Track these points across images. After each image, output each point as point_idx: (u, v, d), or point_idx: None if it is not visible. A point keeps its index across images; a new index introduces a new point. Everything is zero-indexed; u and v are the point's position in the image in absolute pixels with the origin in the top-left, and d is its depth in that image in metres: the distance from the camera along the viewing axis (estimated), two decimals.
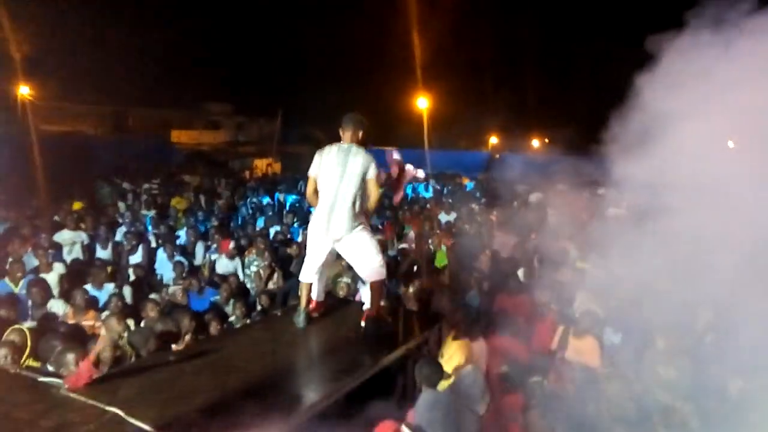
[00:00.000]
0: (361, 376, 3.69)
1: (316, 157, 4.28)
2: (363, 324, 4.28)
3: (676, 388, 4.65)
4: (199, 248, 8.49)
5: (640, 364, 5.12)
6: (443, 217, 11.22)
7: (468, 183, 20.29)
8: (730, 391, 4.48)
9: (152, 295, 6.24)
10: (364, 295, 5.48)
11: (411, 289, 5.96)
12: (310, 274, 4.43)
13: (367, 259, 4.25)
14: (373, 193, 4.19)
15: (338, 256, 4.49)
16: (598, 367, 5.02)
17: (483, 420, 3.44)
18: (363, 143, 4.27)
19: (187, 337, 4.77)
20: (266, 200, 13.34)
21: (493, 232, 9.67)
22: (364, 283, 5.41)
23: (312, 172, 4.27)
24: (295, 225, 10.30)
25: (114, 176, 15.64)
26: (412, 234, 9.75)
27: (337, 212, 4.13)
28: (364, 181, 4.14)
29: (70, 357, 3.63)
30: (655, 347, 5.15)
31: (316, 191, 4.27)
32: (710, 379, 4.79)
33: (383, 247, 6.40)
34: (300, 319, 4.40)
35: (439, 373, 3.83)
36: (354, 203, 4.12)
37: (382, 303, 4.52)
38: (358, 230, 4.18)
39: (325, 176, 4.18)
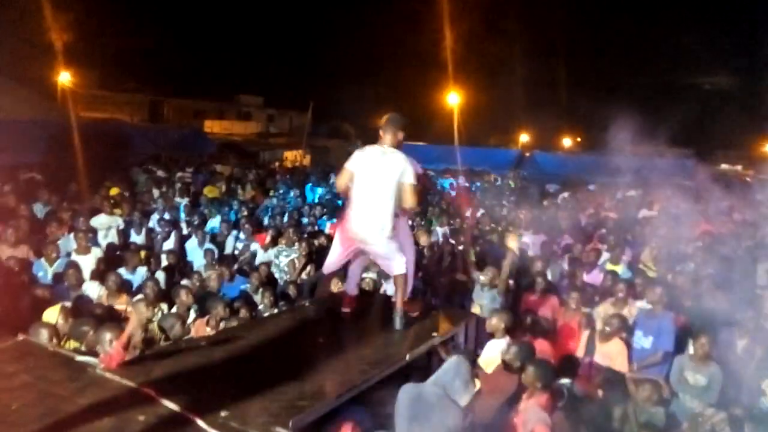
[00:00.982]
0: (386, 369, 3.71)
1: (357, 153, 4.25)
2: (395, 317, 4.28)
3: (706, 395, 4.56)
4: (230, 237, 8.64)
5: (669, 369, 5.04)
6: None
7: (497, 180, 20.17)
8: (766, 401, 4.39)
9: (184, 281, 6.37)
10: (390, 289, 5.51)
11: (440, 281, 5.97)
12: (333, 266, 4.49)
13: (391, 258, 4.25)
14: (410, 196, 4.11)
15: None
16: (626, 371, 4.95)
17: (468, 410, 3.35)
18: (400, 145, 4.23)
19: (220, 324, 4.87)
20: (295, 192, 13.47)
21: (521, 230, 9.57)
22: (388, 278, 5.45)
23: (350, 165, 4.21)
24: (324, 218, 10.39)
25: (149, 164, 15.98)
26: (439, 229, 9.74)
27: (368, 216, 4.09)
28: (399, 185, 4.08)
29: (106, 337, 3.74)
30: (686, 353, 5.06)
31: (349, 183, 4.22)
32: (743, 387, 4.69)
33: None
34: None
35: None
36: (386, 208, 4.07)
37: (408, 297, 4.52)
38: (386, 236, 4.14)
39: (361, 177, 4.13)
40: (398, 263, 4.25)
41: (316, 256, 7.63)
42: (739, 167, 27.54)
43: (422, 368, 4.24)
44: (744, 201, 14.23)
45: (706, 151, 25.59)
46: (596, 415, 3.89)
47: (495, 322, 4.48)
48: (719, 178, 22.96)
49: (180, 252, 8.02)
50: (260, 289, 6.25)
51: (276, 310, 5.78)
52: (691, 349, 4.91)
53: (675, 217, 10.38)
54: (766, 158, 24.47)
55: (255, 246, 8.13)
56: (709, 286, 6.22)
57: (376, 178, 4.08)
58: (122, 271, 6.46)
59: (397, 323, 4.23)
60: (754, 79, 25.55)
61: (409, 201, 4.12)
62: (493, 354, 4.28)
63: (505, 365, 4.00)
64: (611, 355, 5.04)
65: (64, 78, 21.53)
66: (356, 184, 4.15)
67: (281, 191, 13.19)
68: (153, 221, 9.12)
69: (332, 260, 4.49)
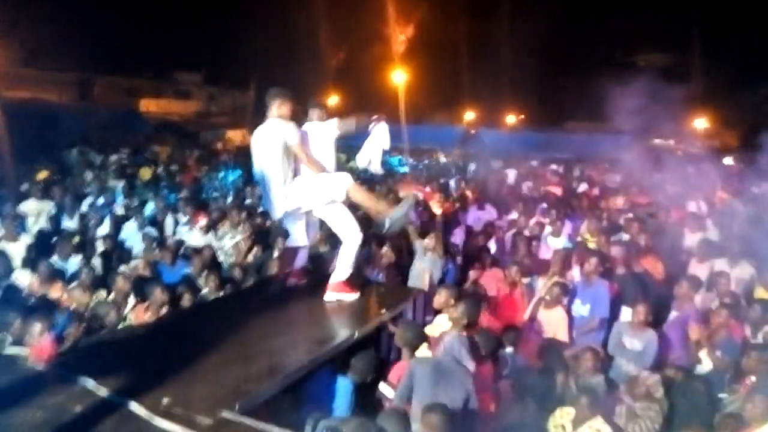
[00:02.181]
0: (334, 347, 3.70)
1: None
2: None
3: (641, 359, 4.79)
4: (169, 220, 8.33)
5: (605, 335, 5.26)
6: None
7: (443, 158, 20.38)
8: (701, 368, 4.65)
9: (122, 267, 6.12)
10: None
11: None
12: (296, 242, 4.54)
13: (336, 229, 4.31)
14: (302, 157, 4.14)
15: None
16: (566, 338, 5.14)
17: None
18: (292, 117, 4.25)
19: (161, 309, 4.71)
20: (239, 173, 13.14)
21: (467, 207, 9.72)
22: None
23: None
24: None
25: (80, 145, 15.17)
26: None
27: (268, 190, 4.17)
28: (287, 150, 4.10)
29: (35, 328, 3.53)
30: (624, 319, 5.29)
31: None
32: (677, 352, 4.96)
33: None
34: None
35: (421, 338, 3.96)
36: (278, 177, 4.10)
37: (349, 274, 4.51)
38: (296, 204, 4.19)
39: (255, 154, 4.23)
40: (343, 235, 4.28)
41: (261, 237, 7.49)
42: (671, 142, 28.87)
43: (372, 343, 4.25)
44: (675, 174, 14.97)
45: (639, 126, 26.60)
46: (538, 384, 4.02)
47: (443, 298, 4.52)
48: (652, 153, 24.06)
49: (116, 237, 7.68)
50: (204, 273, 6.08)
51: (221, 294, 5.64)
52: (629, 316, 5.13)
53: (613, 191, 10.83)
54: (696, 132, 25.74)
55: (188, 229, 7.81)
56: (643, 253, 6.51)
57: (262, 150, 4.14)
58: (55, 258, 6.14)
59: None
60: (686, 55, 26.68)
61: (305, 163, 4.14)
62: (441, 325, 4.35)
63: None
64: (553, 323, 5.22)
65: None
66: (254, 163, 4.24)
67: (221, 172, 12.84)
68: (86, 205, 8.69)
69: (294, 236, 4.52)
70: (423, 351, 3.92)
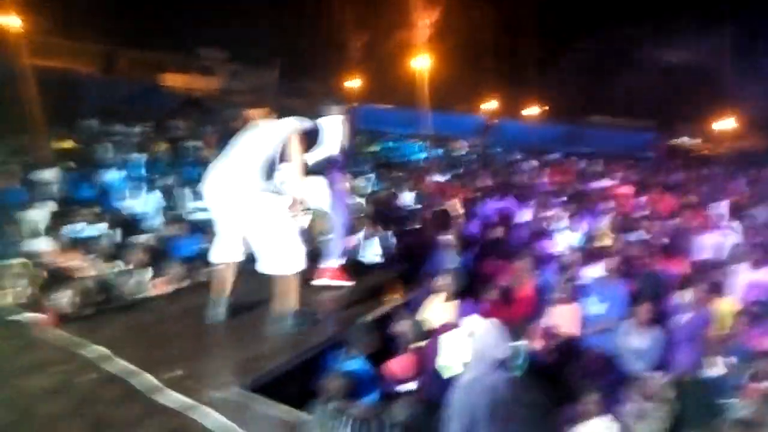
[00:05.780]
0: (344, 329, 3.71)
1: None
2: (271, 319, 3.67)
3: (647, 357, 4.75)
4: (187, 194, 8.38)
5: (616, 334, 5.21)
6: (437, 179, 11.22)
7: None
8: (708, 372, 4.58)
9: (141, 238, 6.19)
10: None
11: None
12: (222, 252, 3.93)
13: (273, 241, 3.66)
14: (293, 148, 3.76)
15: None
16: (578, 334, 5.10)
17: None
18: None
19: (180, 283, 4.76)
20: None
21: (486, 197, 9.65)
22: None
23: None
24: None
25: (103, 117, 15.32)
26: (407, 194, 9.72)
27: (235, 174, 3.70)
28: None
29: (53, 294, 3.60)
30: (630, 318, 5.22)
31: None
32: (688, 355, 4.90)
33: None
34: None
35: (425, 330, 3.86)
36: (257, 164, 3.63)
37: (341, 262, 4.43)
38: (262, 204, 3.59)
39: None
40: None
41: None
42: (698, 141, 28.36)
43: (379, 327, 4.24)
44: (699, 175, 14.73)
45: (664, 124, 26.17)
46: (551, 379, 4.00)
47: (446, 282, 4.42)
48: (678, 152, 23.69)
49: (137, 208, 7.77)
50: None
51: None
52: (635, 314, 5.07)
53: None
54: (723, 134, 25.23)
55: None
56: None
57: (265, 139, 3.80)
58: (74, 226, 6.22)
59: (272, 324, 3.60)
60: (715, 54, 26.05)
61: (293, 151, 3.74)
62: (435, 309, 4.32)
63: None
64: (566, 318, 5.18)
65: (14, 22, 20.17)
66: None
67: None
68: (107, 176, 8.79)
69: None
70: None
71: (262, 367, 3.06)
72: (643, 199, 10.06)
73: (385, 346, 3.94)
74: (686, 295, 5.41)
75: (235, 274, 3.73)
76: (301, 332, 3.51)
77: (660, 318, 5.39)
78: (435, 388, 3.68)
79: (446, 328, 4.00)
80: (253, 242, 3.59)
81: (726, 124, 24.87)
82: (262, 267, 3.55)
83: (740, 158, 20.37)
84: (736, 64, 25.03)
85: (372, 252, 5.87)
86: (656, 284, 5.76)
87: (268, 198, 3.49)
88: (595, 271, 5.90)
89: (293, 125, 3.79)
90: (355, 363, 3.45)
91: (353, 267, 4.73)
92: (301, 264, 3.59)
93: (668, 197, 10.04)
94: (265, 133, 3.73)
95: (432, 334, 3.94)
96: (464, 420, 3.01)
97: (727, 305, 5.34)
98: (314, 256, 5.30)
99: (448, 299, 4.37)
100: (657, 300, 5.56)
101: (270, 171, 3.60)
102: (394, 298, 4.28)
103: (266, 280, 4.01)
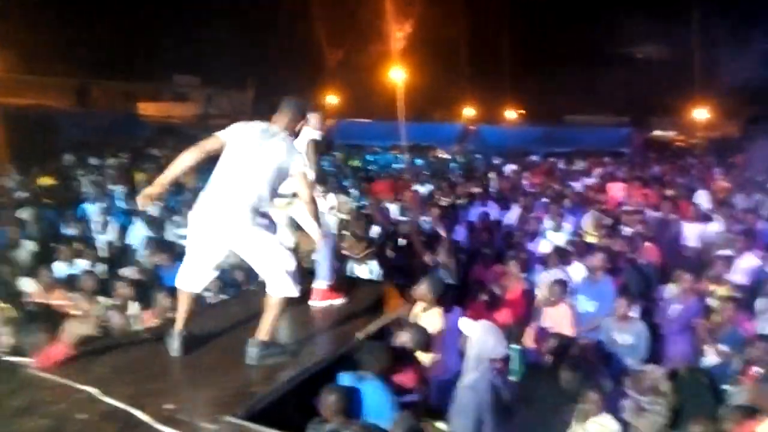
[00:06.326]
0: (336, 350, 3.69)
1: (239, 126, 3.51)
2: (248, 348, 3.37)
3: (635, 352, 4.78)
4: (169, 223, 8.30)
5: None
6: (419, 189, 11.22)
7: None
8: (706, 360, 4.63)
9: (126, 271, 6.10)
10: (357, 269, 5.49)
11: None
12: (188, 279, 3.58)
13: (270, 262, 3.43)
14: (302, 188, 3.50)
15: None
16: (572, 334, 5.11)
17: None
18: (294, 134, 3.68)
19: (166, 314, 4.69)
20: None
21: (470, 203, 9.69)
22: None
23: (223, 135, 3.47)
24: None
25: (79, 151, 15.17)
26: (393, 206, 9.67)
27: (231, 203, 3.31)
28: (279, 173, 3.41)
29: (41, 336, 3.52)
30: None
31: (205, 155, 3.50)
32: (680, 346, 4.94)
33: None
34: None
35: (429, 338, 3.79)
36: (255, 195, 3.33)
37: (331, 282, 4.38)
38: (255, 228, 3.33)
39: (234, 153, 3.41)
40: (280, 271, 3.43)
41: None
42: (672, 133, 28.83)
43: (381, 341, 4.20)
44: (677, 166, 14.96)
45: (640, 119, 26.59)
46: (548, 379, 4.00)
47: (424, 290, 4.29)
48: (654, 144, 24.04)
49: (118, 241, 7.67)
50: None
51: (223, 297, 5.62)
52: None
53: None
54: (696, 124, 25.67)
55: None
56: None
57: (253, 159, 3.37)
58: (57, 264, 6.13)
59: (250, 355, 3.33)
60: (685, 47, 26.58)
61: (303, 194, 3.52)
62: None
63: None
64: (557, 319, 5.20)
65: None
66: (225, 164, 3.44)
67: None
68: (84, 210, 8.67)
69: (189, 270, 3.60)
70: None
71: (255, 394, 3.02)
72: (624, 193, 10.18)
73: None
74: (674, 287, 5.47)
75: (193, 305, 3.56)
76: (294, 354, 3.48)
77: (649, 311, 5.45)
78: (438, 398, 3.68)
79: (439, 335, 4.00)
80: (255, 266, 3.51)
81: (699, 114, 25.34)
82: (269, 288, 3.45)
83: (715, 147, 20.75)
84: (704, 54, 25.58)
85: (362, 269, 5.84)
86: (643, 278, 5.82)
87: (263, 223, 3.40)
88: (581, 270, 5.95)
89: (300, 163, 3.50)
90: (369, 385, 3.22)
91: (345, 283, 4.70)
92: (298, 287, 3.52)
93: (648, 190, 10.17)
94: (269, 156, 3.39)
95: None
96: (470, 419, 3.16)
97: (722, 293, 5.39)
98: (304, 276, 5.29)
99: (428, 308, 4.31)
100: (645, 293, 5.62)
101: (271, 196, 3.47)
102: (392, 312, 4.26)
103: (250, 309, 3.98)
